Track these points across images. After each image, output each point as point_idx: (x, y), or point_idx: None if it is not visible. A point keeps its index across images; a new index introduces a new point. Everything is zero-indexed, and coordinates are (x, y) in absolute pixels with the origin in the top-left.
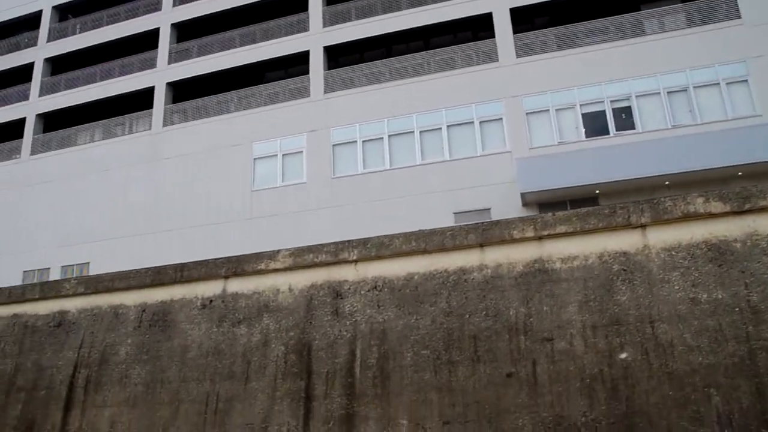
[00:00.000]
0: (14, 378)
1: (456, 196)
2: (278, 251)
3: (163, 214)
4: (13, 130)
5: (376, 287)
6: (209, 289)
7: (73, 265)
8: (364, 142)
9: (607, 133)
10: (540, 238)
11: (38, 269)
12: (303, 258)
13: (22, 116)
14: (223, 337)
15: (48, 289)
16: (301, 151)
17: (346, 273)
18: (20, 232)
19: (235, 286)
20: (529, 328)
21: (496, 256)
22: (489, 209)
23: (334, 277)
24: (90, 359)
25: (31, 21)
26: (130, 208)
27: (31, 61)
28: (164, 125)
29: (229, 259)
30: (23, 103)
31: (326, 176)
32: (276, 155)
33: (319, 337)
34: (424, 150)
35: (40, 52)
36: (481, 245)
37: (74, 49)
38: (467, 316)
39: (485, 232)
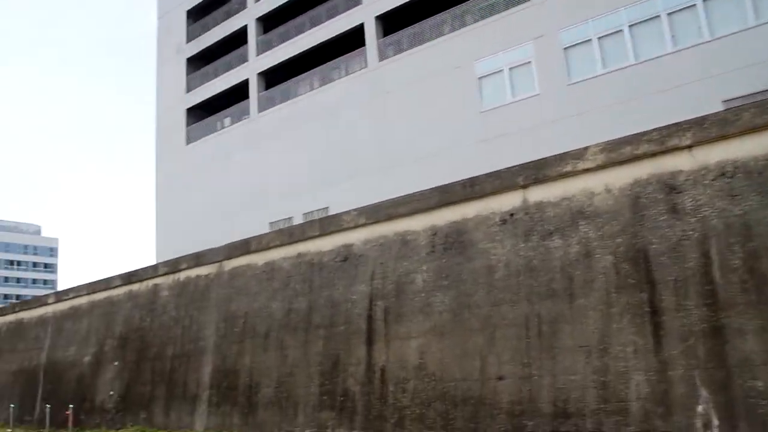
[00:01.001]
0: (310, 316)
1: (723, 82)
2: (586, 149)
3: (392, 148)
4: (240, 92)
5: (724, 174)
6: (506, 201)
7: (313, 211)
8: (599, 38)
9: None
10: None
11: (282, 219)
12: (619, 152)
13: (245, 78)
14: (533, 253)
15: (328, 225)
16: (529, 62)
17: (679, 162)
18: (260, 187)
19: (537, 194)
20: None
21: None
22: None
23: (663, 169)
24: (384, 290)
25: None
26: (359, 147)
27: (244, 24)
28: (380, 60)
29: (525, 166)
30: (244, 65)
31: (560, 84)
32: (502, 70)
33: (657, 241)
34: (675, 34)
35: (250, 12)
36: None
37: (281, 2)
38: None
39: None
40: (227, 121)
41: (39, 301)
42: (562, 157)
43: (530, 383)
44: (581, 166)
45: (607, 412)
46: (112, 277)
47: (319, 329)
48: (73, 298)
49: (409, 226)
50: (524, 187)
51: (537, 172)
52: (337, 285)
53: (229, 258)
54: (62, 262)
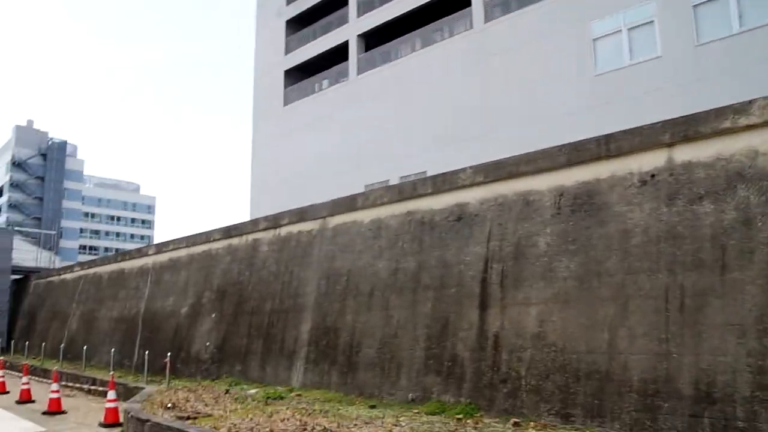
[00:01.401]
0: (419, 276)
1: None
2: (751, 102)
3: (495, 113)
4: (339, 54)
5: None
6: (647, 161)
7: (410, 175)
8: None
9: None
10: None
11: (378, 182)
12: None
13: (345, 39)
14: (678, 219)
15: (442, 182)
16: (652, 21)
17: None
18: (356, 150)
19: (685, 153)
20: None
21: None
22: None
23: None
24: (502, 253)
25: None
26: (460, 112)
27: None
28: (486, 21)
29: (671, 123)
30: (344, 27)
31: (687, 45)
32: (620, 31)
33: None
34: None
35: None
36: None
37: None
38: None
39: None
40: (325, 83)
41: (140, 252)
42: (720, 112)
43: (668, 361)
44: (744, 121)
45: (763, 401)
46: (211, 231)
47: (428, 291)
48: (173, 250)
49: (532, 185)
50: (670, 145)
51: (687, 128)
52: (449, 245)
53: (333, 214)
54: (158, 218)
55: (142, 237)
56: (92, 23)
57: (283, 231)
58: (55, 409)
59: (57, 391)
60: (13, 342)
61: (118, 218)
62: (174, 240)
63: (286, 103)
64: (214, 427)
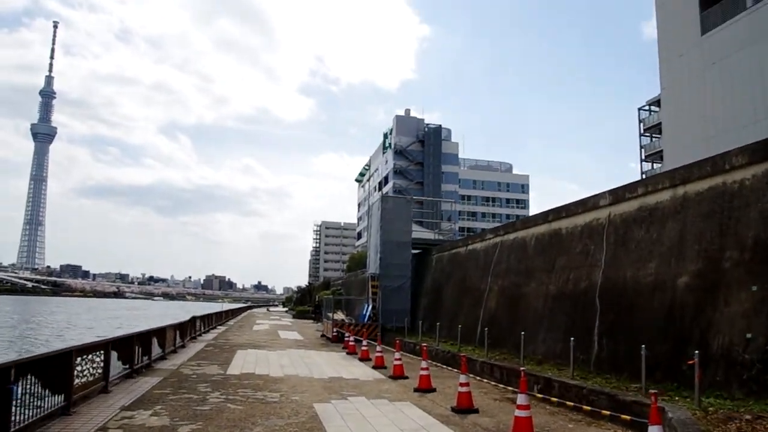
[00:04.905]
0: None
1: None
2: None
3: None
4: None
5: None
6: None
7: None
8: None
9: None
10: None
11: None
12: None
13: None
14: None
15: None
16: None
17: None
18: None
19: None
20: None
21: None
22: None
23: None
24: None
25: None
26: None
27: None
28: None
29: None
30: None
31: None
32: None
33: None
34: None
35: None
36: None
37: None
38: None
39: None
40: None
41: (584, 205)
42: None
43: None
44: None
45: None
46: (726, 155)
47: None
48: (644, 194)
49: None
50: None
51: None
52: None
53: None
54: (532, 198)
55: (517, 217)
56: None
57: None
58: None
59: (526, 407)
60: (420, 323)
61: (493, 199)
62: (643, 180)
63: (704, 31)
64: None
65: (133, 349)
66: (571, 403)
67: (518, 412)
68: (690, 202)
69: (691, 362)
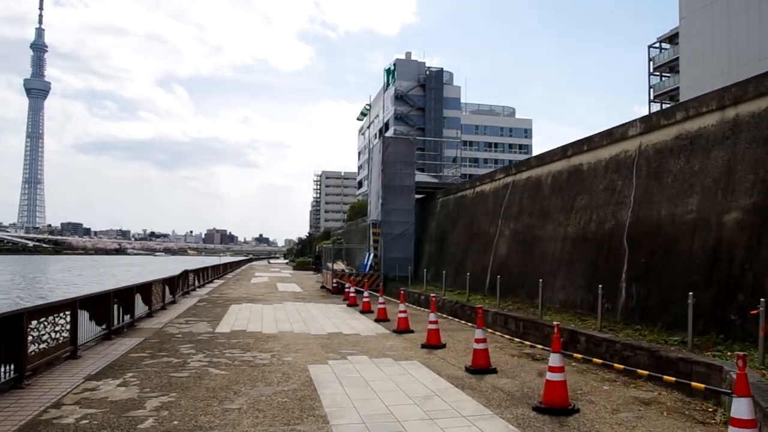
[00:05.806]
0: None
1: None
2: None
3: None
4: None
5: None
6: None
7: None
8: None
9: None
10: None
11: None
12: None
13: None
14: None
15: None
16: None
17: None
18: None
19: None
20: None
21: None
22: None
23: None
24: None
25: None
26: None
27: None
28: None
29: None
30: None
31: None
32: None
33: None
34: None
35: None
36: None
37: None
38: None
39: None
40: None
41: (610, 137)
42: None
43: None
44: None
45: None
46: None
47: None
48: (682, 121)
49: None
50: None
51: None
52: None
53: None
54: (535, 143)
55: None
56: None
57: None
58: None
59: (559, 370)
60: (425, 271)
61: (495, 145)
62: (686, 102)
63: None
64: None
65: (110, 308)
66: (600, 360)
67: (551, 375)
68: (743, 126)
69: (754, 312)
